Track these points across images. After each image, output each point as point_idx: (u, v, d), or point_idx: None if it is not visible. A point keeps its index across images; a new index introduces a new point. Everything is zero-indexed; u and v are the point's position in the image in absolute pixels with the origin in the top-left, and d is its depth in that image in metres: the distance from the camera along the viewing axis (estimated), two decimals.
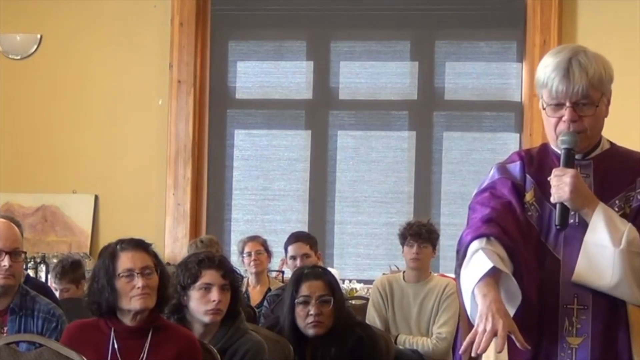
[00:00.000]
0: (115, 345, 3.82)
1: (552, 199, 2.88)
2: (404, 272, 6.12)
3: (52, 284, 6.17)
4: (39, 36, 8.62)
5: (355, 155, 8.59)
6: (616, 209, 2.92)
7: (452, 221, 8.01)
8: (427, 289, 5.96)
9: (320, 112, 8.62)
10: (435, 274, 6.28)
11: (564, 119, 2.91)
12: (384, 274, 7.15)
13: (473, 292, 2.76)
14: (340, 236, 8.54)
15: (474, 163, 8.35)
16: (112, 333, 3.83)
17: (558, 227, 2.88)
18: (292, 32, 8.69)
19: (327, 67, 8.62)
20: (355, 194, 8.56)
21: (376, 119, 8.57)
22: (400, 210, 8.41)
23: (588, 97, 2.90)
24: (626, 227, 2.86)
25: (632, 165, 2.96)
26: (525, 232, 2.90)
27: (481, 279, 2.74)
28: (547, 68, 2.92)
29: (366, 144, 8.57)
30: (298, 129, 8.64)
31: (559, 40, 8.06)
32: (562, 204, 2.87)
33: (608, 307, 2.88)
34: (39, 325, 4.16)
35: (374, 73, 8.56)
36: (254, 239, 7.06)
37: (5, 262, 4.12)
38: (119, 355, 3.81)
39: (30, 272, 7.32)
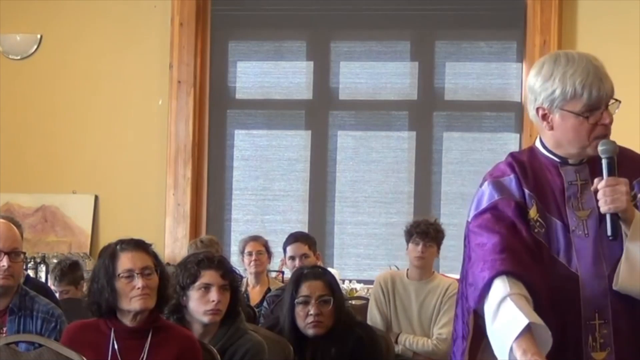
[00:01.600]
0: (115, 346, 3.82)
1: (605, 210, 2.81)
2: (407, 269, 6.11)
3: (52, 286, 6.17)
4: (39, 36, 8.62)
5: (355, 155, 8.58)
6: None
7: (452, 221, 7.99)
8: (429, 287, 5.95)
9: (320, 112, 8.61)
10: (439, 274, 6.26)
11: (601, 122, 2.88)
12: None
13: (511, 348, 2.68)
14: (340, 236, 8.53)
15: (474, 163, 8.33)
16: (112, 333, 3.83)
17: (611, 238, 2.81)
18: (292, 32, 8.69)
19: (327, 67, 8.61)
20: (355, 194, 8.55)
21: (376, 119, 8.56)
22: (400, 211, 8.41)
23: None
24: None
25: (627, 165, 2.92)
26: (535, 252, 2.84)
27: (519, 335, 2.68)
28: (573, 77, 2.87)
29: (366, 144, 8.57)
30: (298, 129, 8.63)
31: (559, 40, 8.06)
32: (614, 214, 2.81)
33: (627, 318, 2.86)
34: (38, 325, 4.16)
35: (374, 73, 8.55)
36: (255, 239, 7.05)
37: (5, 262, 4.12)
38: (119, 356, 3.81)
39: (30, 272, 7.31)
